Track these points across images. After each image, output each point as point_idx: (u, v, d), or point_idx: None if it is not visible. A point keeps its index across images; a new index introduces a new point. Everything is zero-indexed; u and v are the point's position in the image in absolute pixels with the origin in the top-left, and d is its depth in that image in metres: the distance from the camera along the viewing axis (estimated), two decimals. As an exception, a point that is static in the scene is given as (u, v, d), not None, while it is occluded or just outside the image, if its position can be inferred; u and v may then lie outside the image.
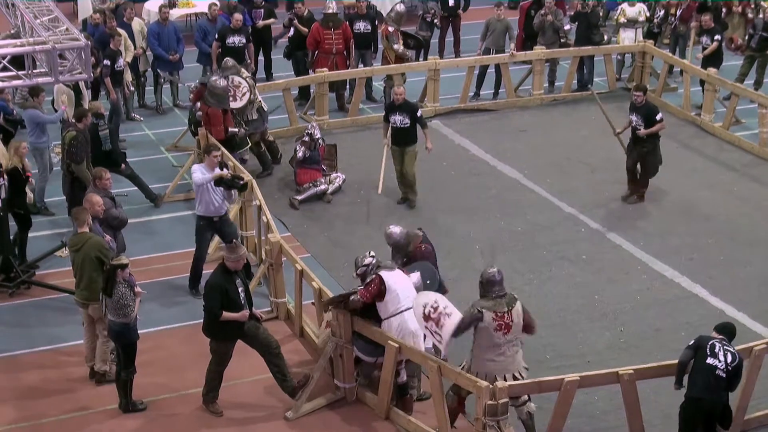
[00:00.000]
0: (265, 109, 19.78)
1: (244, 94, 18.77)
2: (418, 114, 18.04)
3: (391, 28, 22.95)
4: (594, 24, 23.89)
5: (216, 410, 12.86)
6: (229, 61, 19.46)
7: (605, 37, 24.26)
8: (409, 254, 13.68)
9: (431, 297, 12.01)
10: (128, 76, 21.23)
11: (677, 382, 11.86)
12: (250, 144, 18.80)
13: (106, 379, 13.46)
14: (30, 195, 16.53)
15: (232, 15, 22.84)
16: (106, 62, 20.29)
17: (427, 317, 11.87)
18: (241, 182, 15.50)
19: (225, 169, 15.46)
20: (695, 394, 11.64)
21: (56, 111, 19.48)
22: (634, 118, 18.11)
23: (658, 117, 18.00)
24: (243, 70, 19.63)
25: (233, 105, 18.55)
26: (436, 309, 11.81)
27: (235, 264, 12.47)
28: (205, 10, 26.96)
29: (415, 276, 13.04)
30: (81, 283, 13.35)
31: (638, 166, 18.37)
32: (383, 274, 12.62)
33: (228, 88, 18.07)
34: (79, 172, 16.44)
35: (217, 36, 22.02)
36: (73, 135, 16.72)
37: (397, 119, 17.93)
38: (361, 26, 23.13)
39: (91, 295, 13.25)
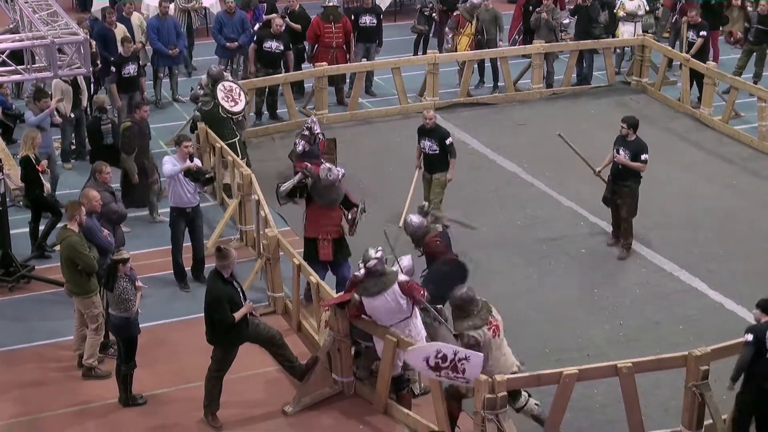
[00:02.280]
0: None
1: (240, 95, 18.69)
2: (447, 142, 16.81)
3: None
4: (594, 18, 23.87)
5: (216, 424, 12.70)
6: (214, 68, 19.09)
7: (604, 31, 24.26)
8: (422, 246, 13.82)
9: (431, 349, 11.70)
10: (143, 83, 20.99)
11: (734, 380, 11.80)
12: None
13: (93, 374, 13.52)
14: (47, 185, 16.53)
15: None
16: (111, 68, 19.92)
17: (437, 368, 11.64)
18: (207, 176, 15.65)
19: (195, 161, 15.62)
20: (764, 383, 11.68)
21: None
22: (621, 152, 16.32)
23: (643, 157, 16.19)
24: (228, 75, 19.46)
25: (235, 109, 18.54)
26: (445, 359, 11.55)
27: (228, 269, 12.42)
28: (206, 4, 26.94)
29: (406, 259, 13.38)
30: (65, 276, 13.54)
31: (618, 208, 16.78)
32: (364, 300, 12.59)
33: (337, 178, 14.67)
34: (126, 163, 16.66)
35: (255, 39, 21.74)
36: (128, 126, 16.95)
37: (426, 145, 16.93)
38: (367, 20, 23.10)
39: (74, 288, 13.40)
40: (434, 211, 15.03)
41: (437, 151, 16.81)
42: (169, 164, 15.37)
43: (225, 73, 19.39)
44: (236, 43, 22.23)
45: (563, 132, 17.70)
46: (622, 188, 16.44)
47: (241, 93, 18.82)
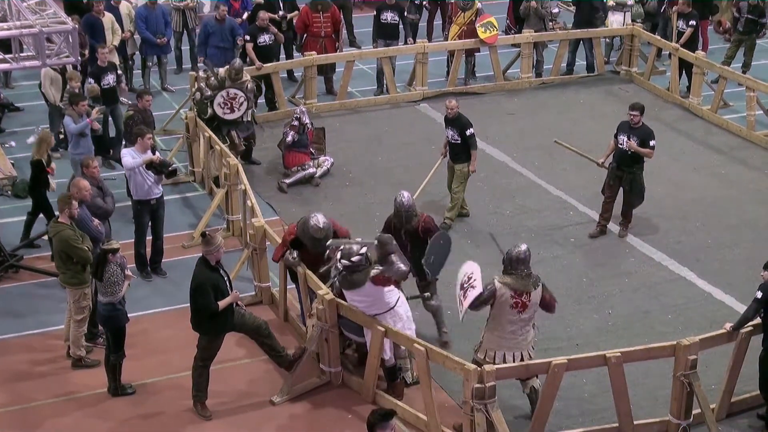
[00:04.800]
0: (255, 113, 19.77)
1: (241, 104, 18.34)
2: (468, 133, 16.70)
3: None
4: (596, 8, 23.86)
5: (205, 414, 12.72)
6: (237, 61, 18.83)
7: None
8: (418, 223, 13.87)
9: (471, 268, 12.25)
10: (123, 89, 20.50)
11: (735, 329, 12.35)
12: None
13: (82, 364, 13.55)
14: (53, 185, 16.36)
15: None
16: (90, 80, 19.04)
17: (461, 286, 12.17)
18: (169, 168, 15.58)
19: (156, 153, 15.52)
20: None
21: (43, 95, 19.43)
22: (627, 138, 16.36)
23: (652, 143, 16.43)
24: (246, 74, 18.96)
25: (230, 116, 18.35)
26: (469, 279, 12.11)
27: (215, 256, 12.37)
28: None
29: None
30: (59, 268, 13.54)
31: (622, 196, 16.81)
32: (345, 293, 12.73)
33: (329, 230, 13.65)
34: None
35: (249, 37, 21.29)
36: (130, 115, 16.86)
37: (449, 134, 16.92)
38: (389, 17, 22.85)
39: (65, 279, 13.41)
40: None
41: (458, 141, 16.82)
42: (129, 157, 15.25)
43: (245, 73, 18.91)
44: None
45: (557, 136, 17.77)
46: (628, 175, 16.53)
47: (245, 102, 18.43)
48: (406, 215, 13.88)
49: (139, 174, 15.21)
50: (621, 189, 16.73)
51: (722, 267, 16.09)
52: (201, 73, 19.08)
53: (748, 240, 16.85)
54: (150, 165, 15.19)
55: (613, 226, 17.03)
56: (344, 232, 13.92)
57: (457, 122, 16.82)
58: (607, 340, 14.06)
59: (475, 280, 12.06)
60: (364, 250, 12.57)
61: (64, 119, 17.01)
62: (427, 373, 12.12)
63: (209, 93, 18.30)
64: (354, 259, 12.47)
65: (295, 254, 13.79)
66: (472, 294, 11.94)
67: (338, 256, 12.68)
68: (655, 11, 24.90)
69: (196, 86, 18.71)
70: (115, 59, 20.88)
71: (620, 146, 16.50)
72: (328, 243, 13.40)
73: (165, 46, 22.56)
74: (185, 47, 23.90)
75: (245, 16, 23.00)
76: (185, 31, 23.75)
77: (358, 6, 27.74)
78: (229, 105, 18.27)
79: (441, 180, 17.42)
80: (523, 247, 12.15)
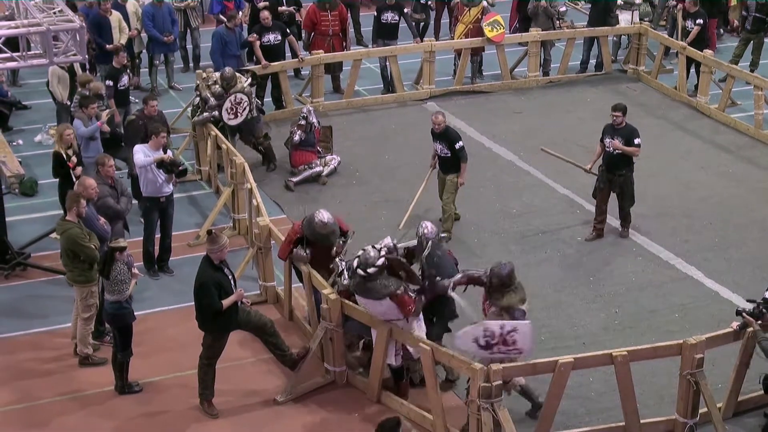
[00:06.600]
0: (262, 107, 19.72)
1: (244, 110, 18.40)
2: (457, 146, 16.41)
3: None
4: (611, 7, 23.85)
5: (211, 412, 12.74)
6: (228, 71, 18.60)
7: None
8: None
9: (479, 330, 11.70)
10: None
11: (742, 329, 12.25)
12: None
13: (89, 362, 13.57)
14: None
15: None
16: (109, 82, 18.96)
17: (488, 346, 11.67)
18: (180, 168, 15.59)
19: (168, 152, 15.52)
20: None
21: (51, 93, 19.45)
22: (610, 141, 16.30)
23: (637, 141, 16.23)
24: (241, 77, 18.86)
25: (232, 122, 18.41)
26: (493, 336, 11.62)
27: (218, 255, 12.37)
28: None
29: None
30: (66, 266, 13.54)
31: (616, 198, 16.70)
32: (357, 297, 12.63)
33: (334, 225, 13.72)
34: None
35: (255, 34, 21.14)
36: (132, 119, 16.92)
37: (438, 147, 16.63)
38: (389, 17, 22.80)
39: (73, 277, 13.41)
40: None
41: (448, 155, 16.61)
42: (141, 154, 15.27)
43: (240, 77, 18.82)
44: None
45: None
46: (618, 177, 16.43)
47: (247, 108, 18.45)
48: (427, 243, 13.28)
49: (150, 171, 15.25)
50: (614, 192, 16.65)
51: (729, 266, 16.06)
52: (203, 76, 18.93)
53: (755, 239, 16.83)
54: (161, 164, 15.21)
55: (617, 227, 17.03)
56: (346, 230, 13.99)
57: (444, 136, 16.58)
58: (613, 339, 14.05)
59: (503, 326, 11.61)
60: (381, 261, 12.21)
61: (74, 122, 16.88)
62: (432, 372, 12.11)
63: (213, 102, 18.26)
64: (370, 270, 12.17)
65: (308, 250, 13.72)
66: (525, 331, 11.62)
67: (354, 264, 12.36)
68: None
69: (198, 92, 18.70)
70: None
71: (607, 149, 16.42)
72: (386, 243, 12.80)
73: (172, 45, 22.57)
74: (188, 46, 23.90)
75: (240, 15, 22.94)
76: (188, 30, 23.75)
77: (365, 4, 27.71)
78: (234, 110, 18.25)
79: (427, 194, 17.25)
80: (505, 264, 12.02)
